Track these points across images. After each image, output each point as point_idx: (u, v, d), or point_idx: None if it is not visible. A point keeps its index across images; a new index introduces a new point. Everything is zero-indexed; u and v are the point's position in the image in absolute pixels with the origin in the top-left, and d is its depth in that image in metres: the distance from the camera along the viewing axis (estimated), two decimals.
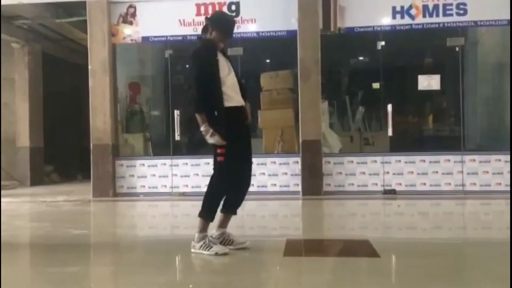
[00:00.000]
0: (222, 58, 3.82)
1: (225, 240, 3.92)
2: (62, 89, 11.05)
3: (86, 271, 3.77)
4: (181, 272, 3.82)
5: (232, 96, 3.76)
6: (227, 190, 3.84)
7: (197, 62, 3.74)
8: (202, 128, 3.73)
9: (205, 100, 3.67)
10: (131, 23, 8.00)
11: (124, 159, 8.01)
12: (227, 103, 3.72)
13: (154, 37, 8.02)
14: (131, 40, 8.08)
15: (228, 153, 3.70)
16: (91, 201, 7.63)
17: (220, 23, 3.86)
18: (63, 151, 10.88)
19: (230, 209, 3.95)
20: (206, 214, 3.84)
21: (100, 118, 7.84)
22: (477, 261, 3.84)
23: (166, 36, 7.97)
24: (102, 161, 7.81)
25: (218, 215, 3.92)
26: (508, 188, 7.15)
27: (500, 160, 7.24)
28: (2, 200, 7.15)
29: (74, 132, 10.97)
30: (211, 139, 3.71)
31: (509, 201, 6.82)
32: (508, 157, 7.23)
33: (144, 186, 7.92)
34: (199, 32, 7.65)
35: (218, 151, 3.74)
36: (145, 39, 8.04)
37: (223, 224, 3.96)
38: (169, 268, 3.81)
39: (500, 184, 7.21)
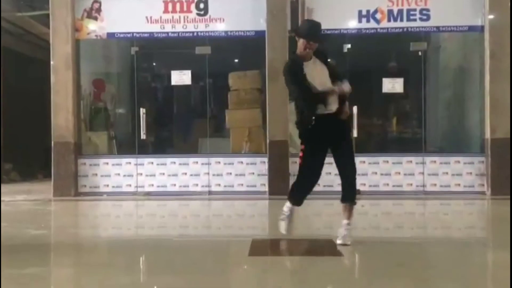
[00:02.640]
0: (312, 67, 4.09)
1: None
2: (23, 85, 10.67)
3: (47, 272, 3.67)
4: (145, 273, 3.76)
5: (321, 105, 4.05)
6: (307, 184, 4.31)
7: (287, 78, 4.13)
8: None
9: (309, 101, 4.06)
10: (96, 18, 7.82)
11: (87, 158, 7.81)
12: (317, 111, 4.04)
13: (120, 33, 7.86)
14: (96, 36, 7.89)
15: (304, 156, 4.14)
16: (52, 201, 7.40)
17: (302, 30, 4.12)
18: (24, 149, 10.51)
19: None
20: (291, 199, 4.37)
21: (62, 115, 7.62)
22: (437, 260, 3.96)
23: (132, 33, 7.82)
24: (64, 159, 7.59)
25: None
26: (467, 189, 7.41)
27: (459, 161, 7.49)
28: None
29: (36, 129, 10.62)
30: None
31: (467, 201, 7.09)
32: (466, 159, 7.49)
33: (107, 186, 7.75)
34: (166, 29, 7.75)
35: (300, 154, 4.18)
36: (110, 35, 7.86)
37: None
38: (132, 269, 3.75)
39: (459, 185, 7.45)
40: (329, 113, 4.04)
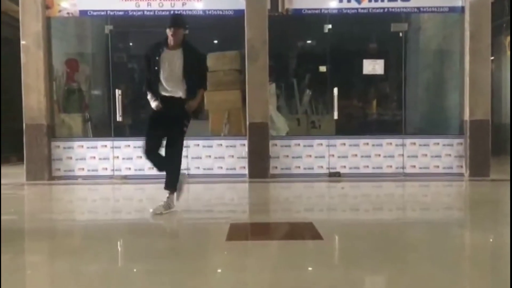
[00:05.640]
0: (169, 53, 4.64)
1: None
2: None
3: (18, 259, 3.51)
4: (122, 258, 3.64)
5: (163, 87, 4.68)
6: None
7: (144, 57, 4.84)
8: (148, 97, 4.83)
9: (146, 84, 4.90)
10: None
11: (60, 140, 7.58)
12: (160, 92, 4.71)
13: (93, 11, 7.56)
14: (68, 13, 7.57)
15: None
16: (25, 185, 7.17)
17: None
18: None
19: None
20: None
21: (34, 97, 7.35)
22: (415, 242, 3.95)
23: (106, 11, 7.53)
24: (36, 142, 7.34)
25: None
26: (446, 171, 7.46)
27: (438, 143, 7.52)
28: None
29: (8, 111, 10.24)
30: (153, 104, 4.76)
31: (446, 183, 7.14)
32: (445, 141, 7.52)
33: (83, 169, 7.54)
34: (142, 7, 7.47)
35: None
36: (83, 12, 7.56)
37: None
38: (108, 254, 3.62)
39: (438, 167, 7.50)
40: (172, 96, 4.67)
